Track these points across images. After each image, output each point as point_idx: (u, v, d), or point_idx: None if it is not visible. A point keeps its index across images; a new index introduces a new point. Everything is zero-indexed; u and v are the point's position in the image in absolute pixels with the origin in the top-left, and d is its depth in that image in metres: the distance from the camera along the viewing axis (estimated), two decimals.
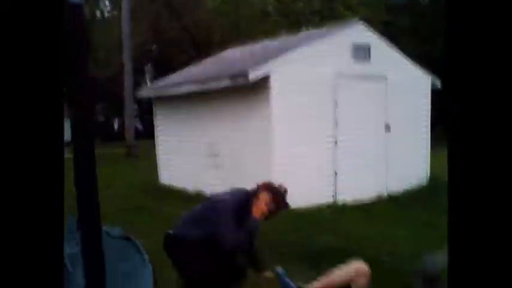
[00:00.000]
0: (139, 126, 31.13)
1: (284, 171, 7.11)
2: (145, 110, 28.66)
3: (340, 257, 4.98)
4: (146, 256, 2.64)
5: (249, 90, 7.30)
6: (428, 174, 9.34)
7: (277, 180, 6.93)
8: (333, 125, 7.69)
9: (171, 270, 4.54)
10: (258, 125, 7.29)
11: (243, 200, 3.35)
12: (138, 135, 21.83)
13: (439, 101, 8.80)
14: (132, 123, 19.43)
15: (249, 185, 7.30)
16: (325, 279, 2.82)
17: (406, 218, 6.69)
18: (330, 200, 7.68)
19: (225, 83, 7.43)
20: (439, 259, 2.96)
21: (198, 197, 8.41)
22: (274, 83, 7.00)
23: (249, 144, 7.52)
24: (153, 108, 10.25)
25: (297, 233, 5.85)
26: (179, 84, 8.95)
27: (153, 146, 10.37)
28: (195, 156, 8.81)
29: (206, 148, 8.48)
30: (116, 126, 35.39)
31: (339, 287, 2.89)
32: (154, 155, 10.33)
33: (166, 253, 3.33)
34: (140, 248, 2.83)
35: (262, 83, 7.02)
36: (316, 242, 5.44)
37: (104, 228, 2.39)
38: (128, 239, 3.27)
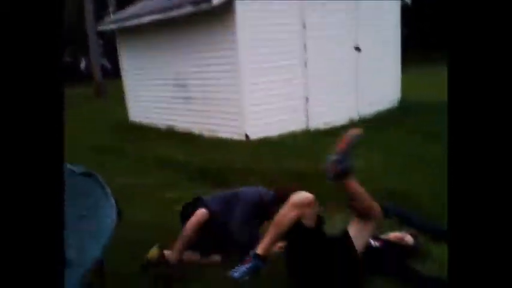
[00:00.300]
0: (108, 65, 30.15)
1: (255, 99, 6.98)
2: (113, 48, 27.55)
3: (313, 180, 5.02)
4: (108, 190, 2.58)
5: (213, 16, 6.96)
6: (400, 96, 9.34)
7: (249, 110, 6.88)
8: (301, 49, 7.47)
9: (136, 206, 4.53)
10: (224, 53, 7.03)
11: (267, 201, 3.41)
12: (106, 74, 21.17)
13: (410, 20, 8.60)
14: (99, 61, 18.74)
15: (219, 117, 7.21)
16: (272, 231, 2.70)
17: (376, 139, 6.70)
18: (303, 126, 7.64)
19: (188, 9, 7.05)
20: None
21: (169, 132, 8.30)
22: (239, 7, 6.66)
23: (216, 74, 7.29)
24: (117, 42, 9.79)
25: (269, 160, 5.82)
26: (141, 14, 8.48)
27: (122, 84, 10.03)
28: (164, 91, 8.57)
29: (173, 80, 8.22)
30: (83, 66, 34.24)
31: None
32: (124, 93, 10.02)
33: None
34: (102, 183, 2.73)
35: (226, 8, 6.68)
36: (288, 168, 5.42)
37: (69, 166, 2.52)
38: (90, 175, 3.17)
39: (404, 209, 3.92)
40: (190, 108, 7.96)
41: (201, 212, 3.34)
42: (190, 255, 3.35)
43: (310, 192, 4.68)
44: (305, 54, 7.48)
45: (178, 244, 3.27)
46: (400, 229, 3.62)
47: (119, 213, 2.56)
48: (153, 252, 3.26)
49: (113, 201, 2.60)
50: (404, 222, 3.71)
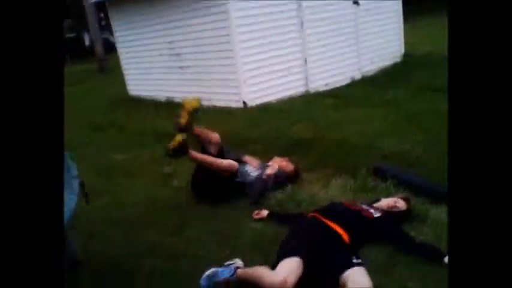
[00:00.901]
0: (112, 39, 29.70)
1: (250, 65, 6.76)
2: None
3: (311, 145, 4.88)
4: (75, 173, 2.49)
5: None
6: (403, 50, 9.00)
7: (245, 76, 6.68)
8: (296, 8, 7.15)
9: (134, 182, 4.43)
10: (216, 18, 6.75)
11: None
12: (111, 48, 20.81)
13: None
14: (99, 36, 18.41)
15: (216, 86, 7.02)
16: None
17: (378, 99, 6.49)
18: (302, 89, 7.42)
19: None
20: None
21: (168, 104, 8.15)
22: None
23: (209, 40, 7.04)
24: (109, 14, 9.54)
25: (267, 127, 5.67)
26: None
27: None
28: (159, 62, 8.36)
29: (168, 49, 8.00)
30: (86, 41, 33.82)
31: None
32: None
33: None
34: (69, 165, 2.61)
35: None
36: (287, 135, 5.27)
37: None
38: None
39: (402, 170, 3.76)
40: (186, 78, 7.77)
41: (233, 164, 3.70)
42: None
43: (307, 158, 4.61)
44: (301, 13, 7.18)
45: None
46: (397, 191, 3.48)
47: (86, 198, 2.50)
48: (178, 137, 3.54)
49: (76, 186, 2.49)
50: (401, 184, 3.56)
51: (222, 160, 3.72)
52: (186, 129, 3.70)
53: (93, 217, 3.69)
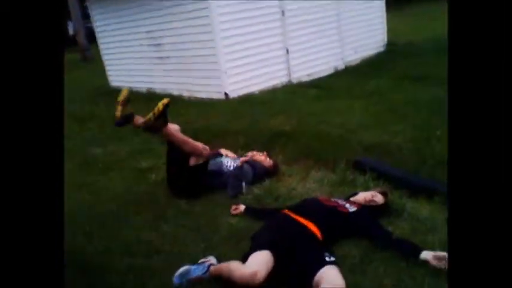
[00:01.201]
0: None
1: (231, 55, 6.66)
2: None
3: (292, 137, 4.82)
4: None
5: None
6: (386, 39, 8.97)
7: (226, 66, 6.58)
8: None
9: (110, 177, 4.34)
10: (195, 6, 6.60)
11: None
12: (95, 37, 20.38)
13: None
14: (82, 25, 18.06)
15: (197, 77, 6.91)
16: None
17: (360, 89, 6.45)
18: (285, 80, 7.35)
19: None
20: None
21: (148, 96, 8.01)
22: None
23: (189, 29, 6.90)
24: (87, 3, 9.33)
25: (248, 119, 5.59)
26: None
27: None
28: (139, 52, 8.20)
29: (147, 39, 7.85)
30: (70, 30, 33.21)
31: None
32: None
33: None
34: None
35: None
36: (268, 127, 5.20)
37: None
38: None
39: (382, 163, 3.73)
40: (166, 68, 7.65)
41: (201, 146, 3.63)
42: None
43: (287, 150, 4.56)
44: (282, 2, 7.08)
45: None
46: (376, 185, 3.45)
47: None
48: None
49: None
50: (380, 177, 3.53)
51: (196, 142, 3.65)
52: (125, 122, 3.72)
53: (70, 212, 3.61)
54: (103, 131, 6.36)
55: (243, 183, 3.65)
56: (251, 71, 6.90)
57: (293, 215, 2.66)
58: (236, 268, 2.28)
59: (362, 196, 2.94)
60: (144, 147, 5.38)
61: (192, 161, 3.62)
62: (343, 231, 2.68)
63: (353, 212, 2.76)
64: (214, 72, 6.73)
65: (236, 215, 3.24)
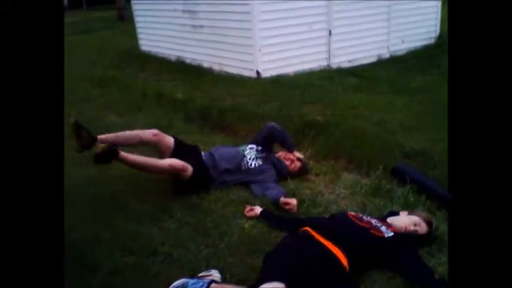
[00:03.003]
0: None
1: (268, 31, 6.14)
2: None
3: (324, 130, 4.34)
4: None
5: None
6: (438, 30, 8.23)
7: (261, 43, 6.09)
8: None
9: None
10: None
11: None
12: None
13: None
14: None
15: (229, 50, 6.43)
16: None
17: (404, 83, 5.85)
18: (323, 64, 6.80)
19: None
20: None
21: (177, 64, 7.62)
22: None
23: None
24: None
25: (280, 103, 5.11)
26: None
27: None
28: (172, 18, 7.74)
29: (182, 5, 7.37)
30: None
31: None
32: None
33: None
34: None
35: None
36: (299, 114, 4.72)
37: None
38: None
39: (425, 175, 3.22)
40: (199, 38, 7.17)
41: (185, 164, 3.05)
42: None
43: (317, 144, 4.09)
44: None
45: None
46: (417, 202, 2.96)
47: None
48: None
49: None
50: (422, 192, 3.03)
51: (160, 161, 3.04)
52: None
53: (74, 191, 3.27)
54: (123, 97, 6.00)
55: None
56: (288, 50, 6.37)
57: (317, 236, 2.20)
58: None
59: (402, 221, 2.44)
60: (163, 121, 4.98)
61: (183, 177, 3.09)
62: (374, 261, 2.22)
63: (389, 237, 2.29)
64: (248, 48, 6.22)
65: (250, 217, 2.82)
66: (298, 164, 3.50)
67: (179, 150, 3.32)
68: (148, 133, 3.33)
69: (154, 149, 3.39)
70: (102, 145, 2.81)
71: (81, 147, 3.00)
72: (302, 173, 3.51)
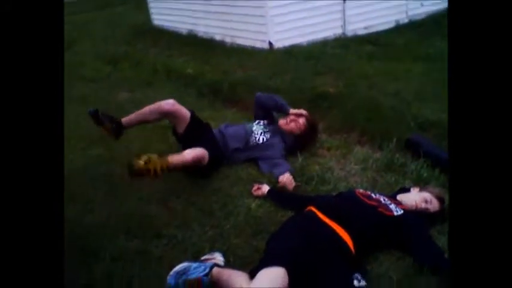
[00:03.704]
0: None
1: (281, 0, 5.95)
2: None
3: (337, 102, 4.21)
4: None
5: None
6: None
7: (273, 12, 5.90)
8: None
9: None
10: None
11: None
12: None
13: None
14: None
15: (241, 21, 6.26)
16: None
17: (423, 50, 5.61)
18: (338, 32, 6.58)
19: None
20: None
21: (189, 38, 7.50)
22: None
23: None
24: None
25: (292, 75, 4.98)
26: None
27: None
28: None
29: None
30: None
31: None
32: None
33: None
34: None
35: None
36: (311, 86, 4.59)
37: None
38: None
39: (440, 148, 3.08)
40: (210, 10, 7.01)
41: (203, 152, 2.90)
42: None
43: (329, 117, 3.96)
44: None
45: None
46: (430, 176, 2.84)
47: None
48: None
49: None
50: (436, 165, 2.90)
51: (183, 155, 2.83)
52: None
53: (80, 173, 3.26)
54: (135, 73, 5.95)
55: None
56: (301, 19, 6.17)
57: (322, 217, 2.12)
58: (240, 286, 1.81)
59: (413, 198, 2.33)
60: (174, 97, 4.86)
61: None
62: (382, 241, 2.14)
63: (399, 216, 2.19)
64: (259, 19, 6.05)
65: (257, 196, 2.75)
66: (301, 120, 3.34)
67: (194, 125, 3.26)
68: (167, 103, 3.24)
69: (171, 119, 3.33)
70: (142, 163, 2.50)
71: (113, 135, 2.97)
72: (312, 131, 3.39)
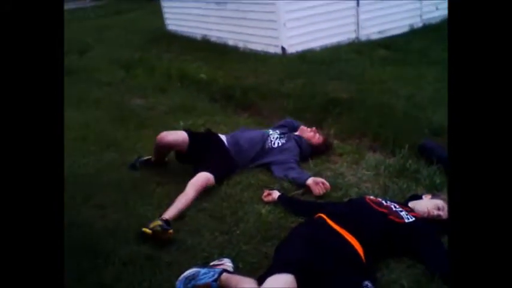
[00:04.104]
0: None
1: (295, 5, 5.95)
2: None
3: (349, 107, 4.18)
4: None
5: None
6: None
7: (286, 17, 5.90)
8: None
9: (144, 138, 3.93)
10: None
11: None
12: None
13: None
14: None
15: (254, 27, 6.27)
16: None
17: (438, 54, 5.55)
18: (351, 36, 6.55)
19: None
20: None
21: (203, 43, 7.55)
22: None
23: None
24: None
25: (304, 80, 4.97)
26: None
27: None
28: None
29: None
30: None
31: None
32: None
33: None
34: None
35: None
36: (323, 91, 4.57)
37: None
38: None
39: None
40: (223, 15, 7.05)
41: (206, 178, 2.92)
42: None
43: (342, 122, 3.94)
44: None
45: (178, 204, 2.71)
46: (443, 182, 2.80)
47: None
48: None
49: None
50: (444, 169, 2.87)
51: (189, 193, 2.81)
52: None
53: (93, 178, 3.30)
54: (148, 79, 5.99)
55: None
56: (314, 24, 6.16)
57: (332, 224, 2.10)
58: None
59: (425, 205, 2.30)
60: (187, 102, 4.95)
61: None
62: (392, 248, 2.12)
63: (410, 223, 2.16)
64: (272, 24, 6.06)
65: (268, 202, 2.74)
66: (321, 136, 3.41)
67: (195, 143, 3.19)
68: (160, 138, 3.17)
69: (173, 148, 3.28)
70: (150, 232, 2.44)
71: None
72: (326, 147, 3.42)
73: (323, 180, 2.81)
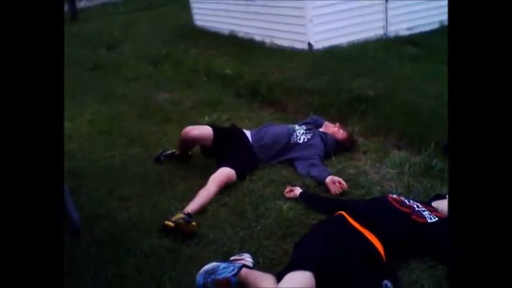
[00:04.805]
0: None
1: (322, 1, 5.90)
2: None
3: (374, 105, 4.13)
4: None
5: None
6: None
7: (313, 13, 5.86)
8: None
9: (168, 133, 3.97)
10: None
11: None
12: None
13: None
14: None
15: (281, 22, 6.25)
16: None
17: None
18: (380, 33, 6.45)
19: None
20: None
21: (230, 38, 7.56)
22: None
23: None
24: None
25: (330, 77, 4.92)
26: None
27: None
28: None
29: None
30: None
31: None
32: None
33: None
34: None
35: None
36: (348, 88, 4.53)
37: None
38: None
39: None
40: (250, 11, 7.04)
41: (228, 173, 2.95)
42: None
43: (367, 120, 3.90)
44: None
45: (200, 199, 2.75)
46: None
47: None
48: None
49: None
50: None
51: (210, 188, 2.85)
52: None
53: (118, 171, 3.37)
54: (175, 74, 6.05)
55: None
56: (341, 20, 6.09)
57: (353, 222, 2.09)
58: None
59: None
60: (212, 97, 4.98)
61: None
62: (414, 248, 2.09)
63: (432, 223, 2.13)
64: (299, 20, 6.02)
65: (289, 198, 2.74)
66: (344, 132, 3.41)
67: (220, 138, 3.23)
68: (185, 133, 3.23)
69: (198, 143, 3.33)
70: (172, 225, 2.48)
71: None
72: (351, 144, 3.41)
73: (340, 179, 2.80)
